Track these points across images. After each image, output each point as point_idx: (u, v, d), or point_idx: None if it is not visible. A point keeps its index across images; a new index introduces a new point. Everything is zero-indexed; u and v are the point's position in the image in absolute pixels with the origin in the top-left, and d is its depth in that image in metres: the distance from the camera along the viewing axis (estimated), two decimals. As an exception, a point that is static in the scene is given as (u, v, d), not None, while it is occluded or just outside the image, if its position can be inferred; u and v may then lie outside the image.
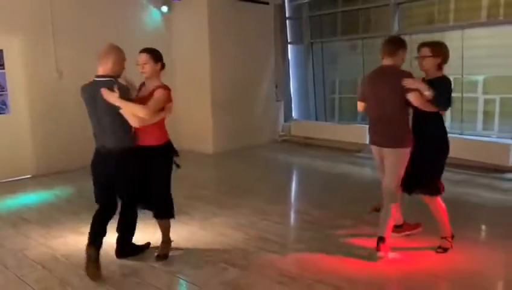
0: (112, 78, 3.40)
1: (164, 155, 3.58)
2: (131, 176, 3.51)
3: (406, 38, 4.39)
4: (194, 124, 8.32)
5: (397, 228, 3.97)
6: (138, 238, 3.87)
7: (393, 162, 3.57)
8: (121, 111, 3.31)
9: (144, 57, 3.48)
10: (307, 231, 4.35)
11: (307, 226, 4.54)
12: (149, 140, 3.50)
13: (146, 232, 4.08)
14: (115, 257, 3.72)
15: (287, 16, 9.46)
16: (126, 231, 3.72)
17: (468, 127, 7.36)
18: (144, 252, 3.82)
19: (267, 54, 9.13)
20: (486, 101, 7.55)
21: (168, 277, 3.44)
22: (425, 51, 3.57)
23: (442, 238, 3.70)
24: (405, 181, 3.65)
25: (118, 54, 3.47)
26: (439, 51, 3.54)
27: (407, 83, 3.37)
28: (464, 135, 7.07)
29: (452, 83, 3.56)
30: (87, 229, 4.47)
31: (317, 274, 3.36)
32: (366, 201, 5.16)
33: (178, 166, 3.66)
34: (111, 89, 3.28)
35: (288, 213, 5.13)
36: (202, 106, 8.25)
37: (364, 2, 8.55)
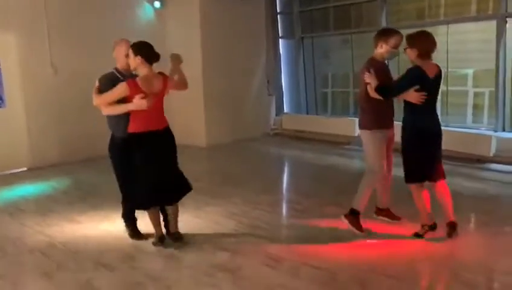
0: (112, 70, 3.81)
1: (130, 146, 3.64)
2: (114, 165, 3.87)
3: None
4: (187, 118, 8.45)
5: (379, 210, 4.18)
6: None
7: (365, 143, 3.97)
8: None
9: (127, 50, 3.68)
10: (296, 219, 4.55)
11: (296, 214, 4.74)
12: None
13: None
14: (110, 243, 3.92)
15: (278, 10, 9.60)
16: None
17: (457, 120, 7.52)
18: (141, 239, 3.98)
19: (258, 48, 9.29)
20: (476, 94, 7.75)
21: (162, 261, 3.61)
22: (404, 43, 3.78)
23: (421, 225, 3.88)
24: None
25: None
26: (413, 41, 3.67)
27: (365, 77, 3.76)
28: (449, 127, 7.27)
29: (416, 75, 3.59)
30: (82, 218, 4.67)
31: (303, 257, 3.55)
32: (354, 190, 5.35)
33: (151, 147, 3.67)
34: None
35: (278, 203, 5.31)
36: (195, 100, 8.39)
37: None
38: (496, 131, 6.83)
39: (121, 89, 3.54)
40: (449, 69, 7.28)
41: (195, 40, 8.24)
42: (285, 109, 9.95)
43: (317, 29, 9.57)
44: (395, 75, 4.11)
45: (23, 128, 6.85)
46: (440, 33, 7.32)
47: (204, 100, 8.39)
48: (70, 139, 7.09)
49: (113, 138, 3.86)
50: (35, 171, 6.72)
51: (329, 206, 4.80)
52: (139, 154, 3.62)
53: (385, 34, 3.88)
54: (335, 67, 9.70)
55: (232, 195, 5.31)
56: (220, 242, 3.92)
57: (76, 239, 4.07)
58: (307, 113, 9.62)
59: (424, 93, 3.59)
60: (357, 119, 7.97)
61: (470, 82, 7.85)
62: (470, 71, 7.79)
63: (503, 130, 6.85)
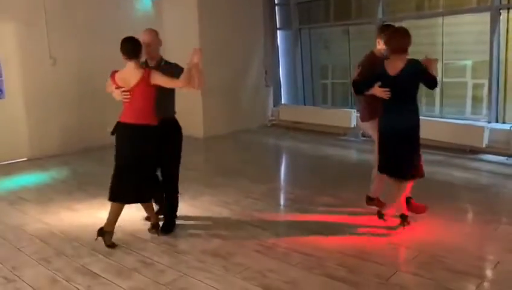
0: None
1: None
2: None
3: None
4: (184, 108, 8.46)
5: (370, 200, 4.29)
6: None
7: None
8: None
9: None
10: (288, 208, 4.67)
11: (289, 203, 4.86)
12: None
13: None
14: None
15: (275, 2, 9.63)
16: None
17: (456, 112, 7.57)
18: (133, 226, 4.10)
19: (256, 39, 9.34)
20: (475, 86, 7.80)
21: (155, 247, 3.73)
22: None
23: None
24: None
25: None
26: (382, 37, 3.82)
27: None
28: (443, 118, 7.36)
29: (375, 71, 3.70)
30: (80, 207, 4.78)
31: (292, 244, 3.67)
32: (347, 181, 5.49)
33: (112, 133, 3.77)
34: None
35: (272, 192, 5.40)
36: (192, 91, 8.40)
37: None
38: (489, 122, 6.90)
39: (108, 80, 3.77)
40: (448, 61, 7.34)
41: (193, 32, 8.28)
42: (283, 100, 10.02)
43: (315, 21, 9.60)
44: None
45: (22, 119, 6.94)
46: (437, 24, 7.37)
47: (202, 91, 8.43)
48: (69, 129, 7.19)
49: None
50: (35, 161, 6.82)
51: (321, 196, 4.91)
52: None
53: (383, 31, 3.93)
54: (335, 59, 9.73)
55: (227, 184, 5.42)
56: (214, 229, 4.04)
57: (75, 227, 4.19)
58: (304, 104, 9.70)
59: (386, 89, 3.61)
60: (353, 111, 8.13)
61: (468, 73, 7.89)
62: (469, 62, 7.83)
63: (497, 121, 6.92)
